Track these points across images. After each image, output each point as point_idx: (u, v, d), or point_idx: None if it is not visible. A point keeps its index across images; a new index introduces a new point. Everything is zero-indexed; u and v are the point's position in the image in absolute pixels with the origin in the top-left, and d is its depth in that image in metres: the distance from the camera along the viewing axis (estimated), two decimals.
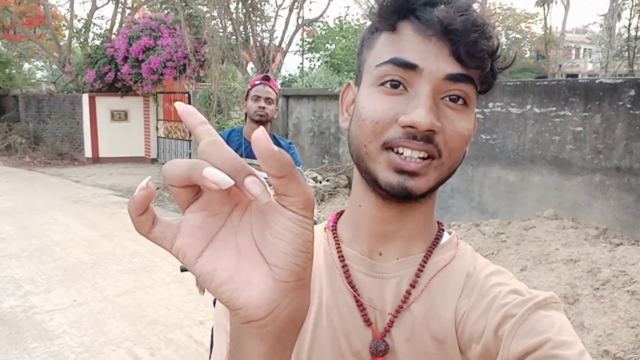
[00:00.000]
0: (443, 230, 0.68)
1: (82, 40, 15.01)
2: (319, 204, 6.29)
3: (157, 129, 13.20)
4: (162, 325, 3.84)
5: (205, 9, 10.99)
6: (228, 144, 2.03)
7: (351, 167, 6.98)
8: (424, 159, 0.56)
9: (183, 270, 2.31)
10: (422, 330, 0.60)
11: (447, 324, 0.59)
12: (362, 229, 0.65)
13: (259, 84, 2.50)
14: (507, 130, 5.34)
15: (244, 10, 9.61)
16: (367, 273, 0.64)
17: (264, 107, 2.46)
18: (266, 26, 10.14)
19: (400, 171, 0.56)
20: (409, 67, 0.55)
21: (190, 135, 11.17)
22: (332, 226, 0.70)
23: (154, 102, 12.92)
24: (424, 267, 0.63)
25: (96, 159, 13.14)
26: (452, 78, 0.55)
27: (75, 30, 15.09)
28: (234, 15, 9.57)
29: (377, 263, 0.64)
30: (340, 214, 0.71)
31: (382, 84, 0.57)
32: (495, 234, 5.25)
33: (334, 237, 0.68)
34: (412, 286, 0.61)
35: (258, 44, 9.50)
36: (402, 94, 0.57)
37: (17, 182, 10.16)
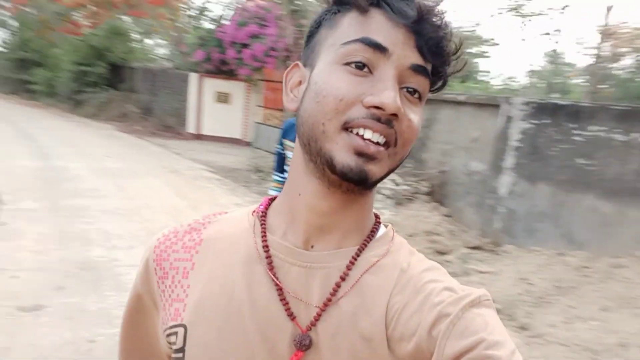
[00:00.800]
0: (379, 223, 0.66)
1: (196, 22, 15.97)
2: (395, 208, 6.24)
3: (255, 114, 13.73)
4: None
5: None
6: (289, 128, 2.60)
7: (435, 174, 6.85)
8: (381, 144, 0.56)
9: None
10: (350, 326, 0.57)
11: (376, 321, 0.57)
12: (297, 220, 0.62)
13: None
14: (607, 158, 4.93)
15: None
16: (294, 262, 0.61)
17: None
18: None
19: (360, 153, 0.54)
20: (379, 49, 0.55)
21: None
22: (262, 212, 0.66)
23: (255, 88, 13.45)
24: (356, 260, 0.60)
25: (198, 135, 13.86)
26: (415, 69, 0.56)
27: (191, 13, 16.10)
28: None
29: (306, 252, 0.61)
30: (273, 199, 0.68)
31: (347, 63, 0.56)
32: (579, 267, 4.90)
33: (262, 225, 0.64)
34: (342, 279, 0.59)
35: None
36: (367, 76, 0.55)
37: (126, 148, 11.14)
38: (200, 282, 0.62)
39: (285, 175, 2.87)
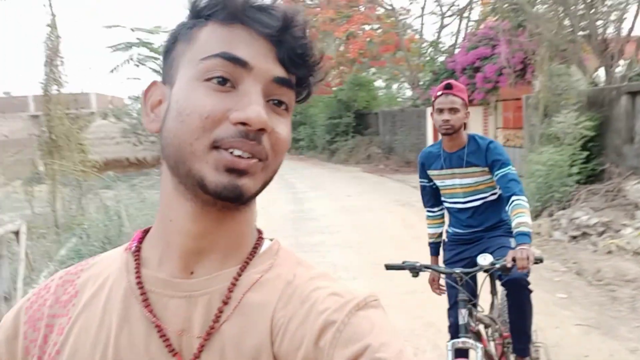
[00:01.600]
0: (262, 238, 0.64)
1: (428, 58, 16.37)
2: None
3: (495, 137, 13.11)
4: (435, 329, 3.83)
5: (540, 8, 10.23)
6: (429, 158, 2.33)
7: None
8: (253, 158, 0.54)
9: (389, 268, 2.35)
10: (235, 350, 0.55)
11: (261, 339, 0.54)
12: (172, 248, 0.58)
13: (441, 94, 2.37)
14: None
15: (586, 2, 8.45)
16: (173, 295, 0.57)
17: (448, 120, 2.35)
18: (611, 16, 8.63)
19: (231, 170, 0.53)
20: (240, 63, 0.54)
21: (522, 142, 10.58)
22: (136, 247, 0.62)
23: (493, 111, 12.90)
24: (237, 280, 0.57)
25: None
26: (279, 81, 0.56)
27: (423, 51, 16.60)
28: (572, 8, 8.54)
29: (185, 281, 0.57)
30: (147, 231, 0.63)
31: (209, 79, 0.54)
32: None
33: (135, 260, 0.60)
34: (225, 302, 0.56)
35: (600, 37, 8.18)
36: (230, 92, 0.54)
37: (366, 186, 11.96)
38: (76, 336, 0.58)
39: (436, 209, 2.66)
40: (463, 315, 2.11)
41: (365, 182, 12.62)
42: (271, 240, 0.65)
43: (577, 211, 6.11)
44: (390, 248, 6.14)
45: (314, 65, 0.58)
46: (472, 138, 2.46)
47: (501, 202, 2.50)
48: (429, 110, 13.47)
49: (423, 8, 19.20)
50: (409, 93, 24.34)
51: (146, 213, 6.43)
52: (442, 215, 2.69)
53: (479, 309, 2.33)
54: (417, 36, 17.15)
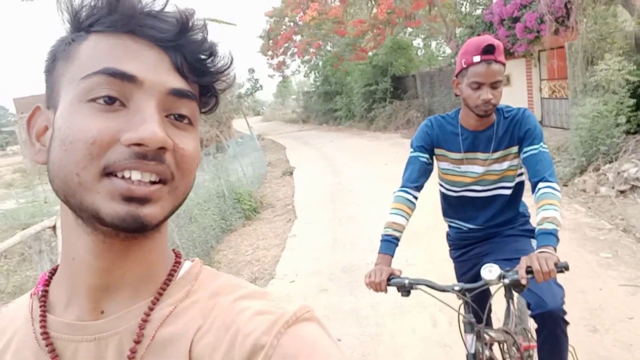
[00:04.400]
0: (180, 263, 0.58)
1: (464, 12, 15.61)
2: None
3: (540, 89, 12.52)
4: None
5: None
6: (443, 135, 1.85)
7: None
8: (154, 182, 0.49)
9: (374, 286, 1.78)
10: None
11: None
12: (78, 287, 0.54)
13: (479, 61, 1.76)
14: None
15: None
16: (81, 339, 0.52)
17: (489, 100, 1.78)
18: None
19: (129, 199, 0.47)
20: (127, 78, 0.48)
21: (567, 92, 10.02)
22: (43, 291, 0.57)
23: (537, 62, 12.27)
24: (149, 315, 0.53)
25: None
26: (177, 94, 0.51)
27: (459, 5, 15.82)
28: None
29: (92, 323, 0.53)
30: (54, 271, 0.58)
31: (93, 99, 0.48)
32: None
33: (41, 307, 0.55)
34: (137, 342, 0.51)
35: None
36: (120, 111, 0.49)
37: (405, 152, 11.54)
38: None
39: (417, 194, 2.01)
40: (470, 343, 1.65)
41: (403, 148, 12.37)
42: (192, 261, 0.60)
43: (625, 163, 5.75)
44: (428, 216, 6.03)
45: (219, 71, 0.54)
46: (499, 111, 1.94)
47: (521, 190, 2.06)
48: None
49: None
50: (449, 51, 23.41)
51: (192, 197, 6.62)
52: (415, 205, 1.99)
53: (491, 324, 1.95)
54: None
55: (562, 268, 1.51)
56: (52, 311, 0.55)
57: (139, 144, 0.47)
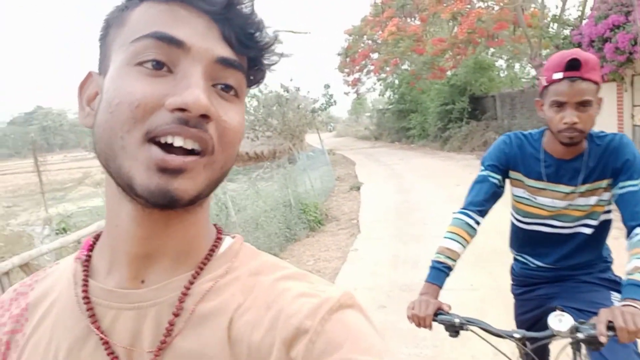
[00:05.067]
0: (221, 238, 0.58)
1: (551, 33, 14.94)
2: None
3: (632, 116, 11.65)
4: None
5: None
6: (517, 155, 1.65)
7: None
8: (192, 153, 0.48)
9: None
10: None
11: (219, 352, 0.50)
12: (119, 255, 0.54)
13: (562, 78, 1.51)
14: None
15: None
16: (121, 307, 0.52)
17: (575, 124, 1.51)
18: None
19: (163, 169, 0.46)
20: (175, 43, 0.48)
21: None
22: (86, 256, 0.57)
23: (629, 87, 11.46)
24: (189, 289, 0.52)
25: None
26: (224, 62, 0.50)
27: (546, 26, 15.17)
28: None
29: (133, 292, 0.53)
30: (98, 238, 0.59)
31: (141, 63, 0.48)
32: None
33: (84, 271, 0.56)
34: (176, 315, 0.51)
35: None
36: (167, 76, 0.48)
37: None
38: (27, 355, 0.55)
39: (480, 219, 1.78)
40: None
41: (478, 170, 11.96)
42: (233, 237, 0.59)
43: None
44: (497, 239, 5.75)
45: (266, 45, 0.53)
46: (591, 137, 1.66)
47: (607, 230, 1.77)
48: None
49: None
50: (533, 72, 22.42)
51: (260, 205, 6.79)
52: (476, 232, 1.77)
53: None
54: (538, 10, 15.74)
55: None
56: (94, 277, 0.56)
57: (182, 109, 0.46)
